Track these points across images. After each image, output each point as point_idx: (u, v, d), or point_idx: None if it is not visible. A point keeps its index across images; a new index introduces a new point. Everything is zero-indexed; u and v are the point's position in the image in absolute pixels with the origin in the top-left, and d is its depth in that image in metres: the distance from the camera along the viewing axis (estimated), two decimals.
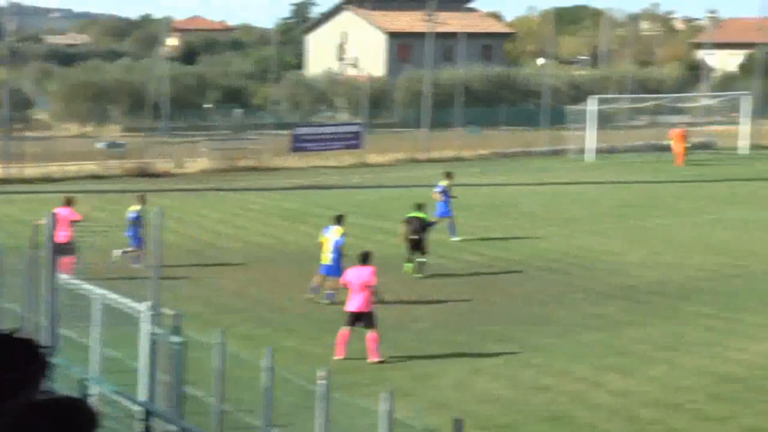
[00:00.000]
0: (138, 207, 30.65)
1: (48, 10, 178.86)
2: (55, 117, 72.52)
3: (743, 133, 64.67)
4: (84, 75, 76.63)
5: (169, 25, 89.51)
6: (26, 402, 4.21)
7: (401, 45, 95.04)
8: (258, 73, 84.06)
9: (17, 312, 19.81)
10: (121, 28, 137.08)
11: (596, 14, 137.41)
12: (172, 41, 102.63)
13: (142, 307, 16.37)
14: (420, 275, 29.64)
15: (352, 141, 57.38)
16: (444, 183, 35.24)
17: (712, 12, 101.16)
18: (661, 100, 70.77)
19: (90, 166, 51.50)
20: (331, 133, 57.76)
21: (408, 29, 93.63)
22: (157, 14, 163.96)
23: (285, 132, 58.86)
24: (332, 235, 26.89)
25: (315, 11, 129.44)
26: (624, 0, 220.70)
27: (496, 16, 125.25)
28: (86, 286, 18.34)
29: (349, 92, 75.97)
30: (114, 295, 17.44)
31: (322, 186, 48.33)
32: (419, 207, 30.63)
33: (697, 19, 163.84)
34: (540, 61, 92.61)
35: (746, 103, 65.12)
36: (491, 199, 44.67)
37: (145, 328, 16.25)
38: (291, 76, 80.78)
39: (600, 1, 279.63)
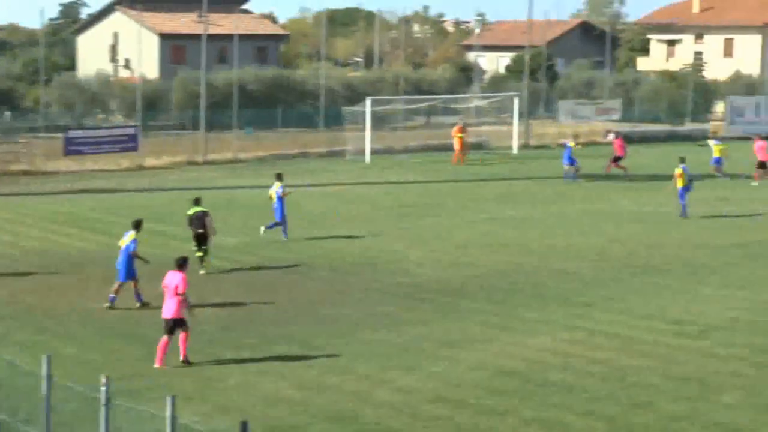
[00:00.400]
0: None
1: None
2: None
3: (514, 132, 66.31)
4: None
5: None
6: None
7: (175, 46, 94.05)
8: (27, 74, 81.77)
9: None
10: None
11: (369, 16, 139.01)
12: None
13: None
14: (204, 271, 29.67)
15: (128, 144, 56.38)
16: (279, 184, 35.33)
17: (480, 15, 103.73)
18: (435, 101, 72.00)
19: None
20: (106, 136, 56.56)
21: (181, 31, 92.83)
22: None
23: (58, 135, 57.45)
24: (126, 239, 26.52)
25: (85, 12, 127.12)
26: (396, 2, 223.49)
27: (270, 18, 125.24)
28: None
29: (122, 94, 74.71)
30: None
31: (97, 189, 47.39)
32: (197, 201, 30.85)
33: (466, 22, 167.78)
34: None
35: (516, 104, 66.82)
36: (265, 200, 44.61)
37: None
38: (62, 77, 78.77)
39: (372, 4, 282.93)
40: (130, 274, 26.29)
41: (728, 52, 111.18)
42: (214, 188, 47.52)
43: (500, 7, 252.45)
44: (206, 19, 62.94)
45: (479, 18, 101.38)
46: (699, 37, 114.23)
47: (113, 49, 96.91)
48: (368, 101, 60.30)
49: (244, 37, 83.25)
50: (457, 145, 59.67)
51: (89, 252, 33.29)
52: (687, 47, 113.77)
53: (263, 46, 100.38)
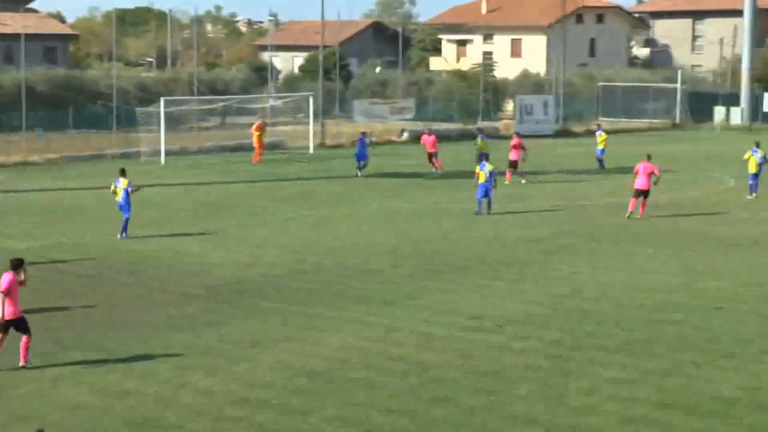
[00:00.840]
0: None
1: None
2: None
3: (310, 132, 66.54)
4: None
5: None
6: None
7: None
8: None
9: None
10: None
11: (160, 16, 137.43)
12: None
13: None
14: None
15: None
16: (127, 181, 35.74)
17: (273, 15, 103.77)
18: (230, 102, 71.69)
19: None
20: None
21: None
22: None
23: None
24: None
25: None
26: (188, 2, 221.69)
27: (58, 17, 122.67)
28: None
29: None
30: None
31: None
32: None
33: (259, 22, 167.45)
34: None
35: (311, 104, 67.04)
36: (60, 203, 43.73)
37: None
38: None
39: (163, 3, 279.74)
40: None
41: (516, 52, 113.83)
42: (2, 192, 46.35)
43: (293, 8, 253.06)
44: None
45: (272, 18, 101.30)
46: (488, 37, 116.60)
47: None
48: (162, 102, 59.61)
49: (32, 37, 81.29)
50: (256, 143, 59.66)
51: None
52: (477, 47, 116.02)
53: (52, 46, 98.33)
